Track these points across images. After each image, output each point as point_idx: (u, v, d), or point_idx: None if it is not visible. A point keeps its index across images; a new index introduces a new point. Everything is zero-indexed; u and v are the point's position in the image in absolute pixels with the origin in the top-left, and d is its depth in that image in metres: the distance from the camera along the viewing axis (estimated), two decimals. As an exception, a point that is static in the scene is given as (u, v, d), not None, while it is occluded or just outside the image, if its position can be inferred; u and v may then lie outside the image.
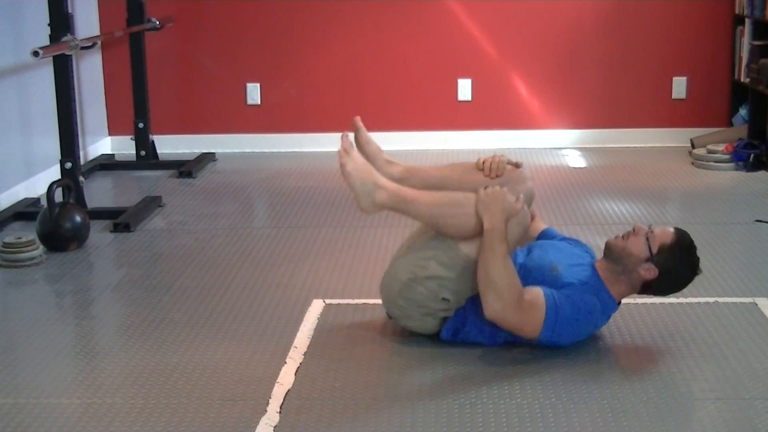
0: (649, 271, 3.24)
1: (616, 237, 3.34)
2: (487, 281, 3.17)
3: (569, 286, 3.25)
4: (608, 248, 3.32)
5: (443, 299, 3.30)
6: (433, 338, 3.40)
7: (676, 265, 3.25)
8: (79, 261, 4.44)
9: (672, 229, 3.30)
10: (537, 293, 3.19)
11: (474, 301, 3.30)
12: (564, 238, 3.60)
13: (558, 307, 3.17)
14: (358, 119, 3.58)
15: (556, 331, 3.20)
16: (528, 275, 3.27)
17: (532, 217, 3.52)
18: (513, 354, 3.28)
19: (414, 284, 3.31)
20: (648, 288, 3.31)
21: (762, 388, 3.02)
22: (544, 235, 3.62)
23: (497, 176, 3.39)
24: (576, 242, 3.58)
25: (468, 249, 3.27)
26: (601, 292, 3.28)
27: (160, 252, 4.61)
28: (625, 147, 6.72)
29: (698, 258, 3.30)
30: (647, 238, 3.24)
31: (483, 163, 3.41)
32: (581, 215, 5.08)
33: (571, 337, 3.26)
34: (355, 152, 3.41)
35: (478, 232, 3.24)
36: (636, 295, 3.38)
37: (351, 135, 3.49)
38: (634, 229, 3.30)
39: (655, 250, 3.23)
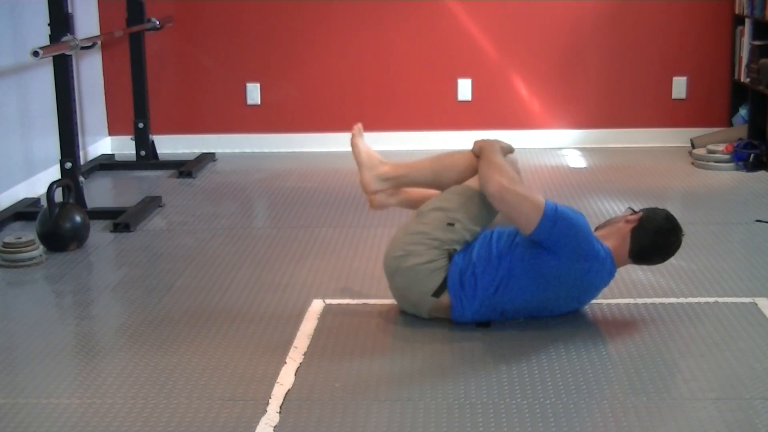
0: (633, 217, 3.53)
1: None
2: (489, 166, 3.47)
3: None
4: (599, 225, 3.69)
5: (449, 224, 3.47)
6: (434, 336, 3.42)
7: (656, 216, 3.53)
8: (79, 261, 4.44)
9: None
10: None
11: (480, 244, 3.47)
12: None
13: (557, 204, 3.40)
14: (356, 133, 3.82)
15: (556, 224, 3.32)
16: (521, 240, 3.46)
17: None
18: (513, 354, 3.29)
19: (420, 218, 3.55)
20: (635, 244, 3.48)
21: (762, 388, 3.02)
22: None
23: None
24: None
25: (469, 182, 3.57)
26: (597, 240, 3.47)
27: (160, 252, 4.60)
28: (625, 147, 6.73)
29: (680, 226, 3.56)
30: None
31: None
32: (581, 215, 5.07)
33: (568, 247, 3.35)
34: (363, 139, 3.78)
35: (476, 167, 3.54)
36: (630, 265, 3.64)
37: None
38: None
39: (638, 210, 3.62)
